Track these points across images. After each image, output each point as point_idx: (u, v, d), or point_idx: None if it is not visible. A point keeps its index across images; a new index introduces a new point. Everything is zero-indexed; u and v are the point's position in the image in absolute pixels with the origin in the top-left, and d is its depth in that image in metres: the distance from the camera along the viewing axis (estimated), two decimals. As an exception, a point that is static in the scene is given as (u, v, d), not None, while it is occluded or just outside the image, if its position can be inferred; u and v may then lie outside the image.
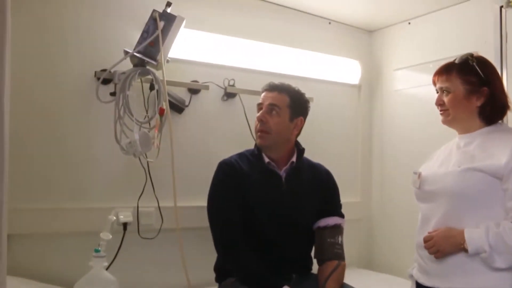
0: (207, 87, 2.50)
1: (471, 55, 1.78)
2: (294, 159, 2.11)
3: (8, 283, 1.25)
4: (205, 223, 2.06)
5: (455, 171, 1.70)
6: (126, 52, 1.97)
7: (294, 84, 2.20)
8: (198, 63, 2.51)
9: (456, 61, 1.79)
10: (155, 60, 1.96)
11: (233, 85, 2.59)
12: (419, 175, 1.85)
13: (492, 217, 1.62)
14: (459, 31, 2.67)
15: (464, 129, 1.80)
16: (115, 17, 2.28)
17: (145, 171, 2.24)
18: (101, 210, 2.12)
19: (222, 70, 2.58)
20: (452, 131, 1.86)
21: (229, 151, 2.22)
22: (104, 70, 2.13)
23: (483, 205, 1.65)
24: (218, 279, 2.13)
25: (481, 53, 2.37)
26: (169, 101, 2.26)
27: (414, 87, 2.92)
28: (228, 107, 2.60)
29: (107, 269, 1.98)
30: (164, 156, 2.06)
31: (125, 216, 2.21)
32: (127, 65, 2.04)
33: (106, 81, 2.14)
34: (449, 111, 1.79)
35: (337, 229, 2.09)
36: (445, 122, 1.83)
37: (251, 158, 2.12)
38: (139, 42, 1.98)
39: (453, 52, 2.48)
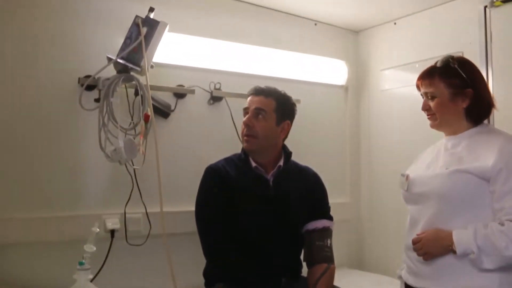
0: (193, 91, 2.48)
1: (452, 57, 1.78)
2: (281, 163, 2.11)
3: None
4: (194, 228, 2.05)
5: (443, 173, 1.70)
6: (109, 59, 1.95)
7: (281, 86, 2.19)
8: (183, 67, 2.49)
9: (438, 65, 1.79)
10: (138, 66, 1.94)
11: (219, 89, 2.57)
12: (407, 177, 1.85)
13: (480, 219, 1.62)
14: (444, 31, 2.68)
15: (452, 131, 1.81)
16: (97, 22, 2.25)
17: (131, 177, 2.22)
18: (88, 218, 2.11)
19: (208, 73, 2.56)
20: (439, 131, 1.87)
21: (216, 155, 2.22)
22: (88, 76, 2.10)
23: (471, 207, 1.66)
24: (207, 285, 2.11)
25: (466, 53, 2.43)
26: (155, 106, 2.24)
27: (401, 87, 2.93)
28: (214, 111, 2.59)
29: (94, 277, 1.98)
30: (151, 161, 2.03)
31: (113, 223, 2.19)
32: (111, 71, 2.02)
33: (90, 87, 2.12)
34: (436, 116, 1.79)
35: (326, 232, 2.09)
36: (433, 126, 1.83)
37: (238, 162, 2.11)
38: (122, 49, 1.96)
39: (439, 52, 2.51)
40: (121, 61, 1.94)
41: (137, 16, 1.99)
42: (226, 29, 2.64)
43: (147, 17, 2.01)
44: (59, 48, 2.17)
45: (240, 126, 2.15)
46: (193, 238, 2.07)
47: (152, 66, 2.04)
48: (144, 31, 1.95)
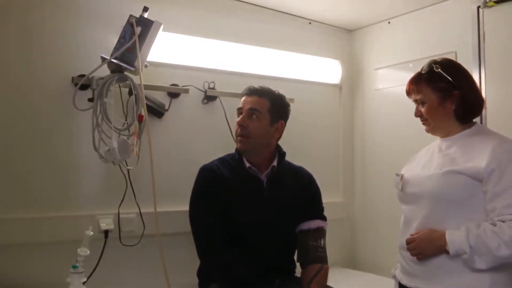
0: (187, 91, 2.47)
1: (435, 61, 1.79)
2: (275, 163, 2.11)
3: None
4: (188, 228, 2.05)
5: (437, 173, 1.72)
6: (103, 59, 1.94)
7: (275, 85, 2.19)
8: (177, 66, 2.48)
9: (422, 71, 1.81)
10: (132, 66, 1.93)
11: (213, 88, 2.57)
12: (402, 177, 1.86)
13: (473, 219, 1.64)
14: (438, 31, 2.69)
15: (445, 134, 1.82)
16: (91, 21, 2.24)
17: (125, 177, 2.21)
18: (81, 218, 2.11)
19: (202, 73, 2.56)
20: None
21: (210, 154, 2.22)
22: (82, 76, 2.10)
23: (464, 207, 1.67)
24: (201, 285, 2.12)
25: (459, 53, 2.44)
26: (149, 106, 2.24)
27: (394, 86, 2.93)
28: (208, 110, 2.58)
29: (88, 277, 1.98)
30: (145, 161, 2.02)
31: (106, 223, 2.19)
32: (105, 70, 2.01)
33: (84, 87, 2.10)
34: (428, 121, 1.81)
35: (320, 232, 2.10)
36: (428, 131, 1.86)
37: (232, 163, 2.11)
38: (116, 48, 1.95)
39: (433, 52, 2.55)
40: (115, 61, 1.93)
41: (131, 16, 1.98)
42: (220, 28, 2.63)
43: (141, 16, 1.99)
44: (53, 47, 2.16)
45: (234, 126, 2.15)
46: (187, 238, 2.07)
47: (146, 66, 2.03)
48: (138, 30, 1.94)
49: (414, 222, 1.77)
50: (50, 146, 2.15)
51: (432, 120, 1.80)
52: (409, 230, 1.78)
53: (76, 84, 2.07)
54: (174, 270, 1.96)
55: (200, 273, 2.13)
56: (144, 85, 1.98)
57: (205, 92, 2.55)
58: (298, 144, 2.69)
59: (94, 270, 2.10)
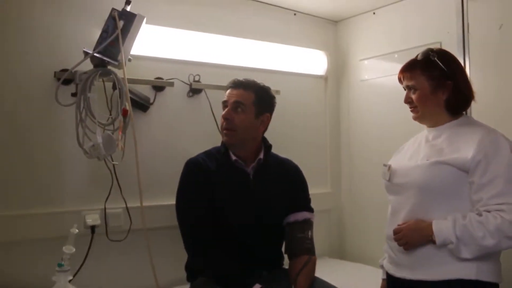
0: (171, 84, 2.46)
1: (432, 50, 1.80)
2: (261, 156, 2.10)
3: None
4: (175, 221, 2.04)
5: (424, 164, 1.73)
6: (85, 53, 1.91)
7: (260, 77, 2.19)
8: (161, 60, 2.46)
9: (418, 58, 1.82)
10: (116, 60, 1.90)
11: (198, 81, 2.55)
12: (389, 167, 1.88)
13: (460, 209, 1.65)
14: (423, 21, 2.69)
15: (433, 123, 1.83)
16: (73, 14, 2.21)
17: (110, 172, 2.20)
18: (67, 214, 2.10)
19: (187, 65, 2.54)
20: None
21: (195, 148, 2.21)
22: (64, 70, 2.07)
23: (451, 198, 1.69)
24: (189, 278, 2.11)
25: (444, 43, 2.45)
26: (133, 100, 2.22)
27: (380, 77, 2.93)
28: (194, 103, 2.57)
29: (75, 274, 1.96)
30: (130, 155, 1.99)
31: (93, 219, 2.17)
32: (88, 64, 1.97)
33: (67, 81, 2.07)
34: (418, 108, 1.81)
35: (307, 224, 2.10)
36: (415, 118, 1.86)
37: (218, 156, 2.10)
38: (99, 42, 1.92)
39: (418, 42, 2.55)
40: (98, 55, 1.90)
41: (113, 9, 1.95)
42: (205, 21, 2.61)
43: (124, 10, 1.97)
44: (34, 41, 2.12)
45: (220, 118, 2.13)
46: (175, 232, 2.06)
47: (130, 60, 2.00)
48: (121, 24, 1.91)
49: (402, 213, 1.78)
50: (33, 142, 2.12)
51: (421, 107, 1.80)
52: (396, 220, 1.79)
53: (58, 79, 2.03)
54: (162, 264, 1.97)
55: (188, 267, 2.12)
56: (128, 79, 1.96)
57: (190, 85, 2.53)
58: (284, 136, 2.69)
59: (81, 266, 2.09)
